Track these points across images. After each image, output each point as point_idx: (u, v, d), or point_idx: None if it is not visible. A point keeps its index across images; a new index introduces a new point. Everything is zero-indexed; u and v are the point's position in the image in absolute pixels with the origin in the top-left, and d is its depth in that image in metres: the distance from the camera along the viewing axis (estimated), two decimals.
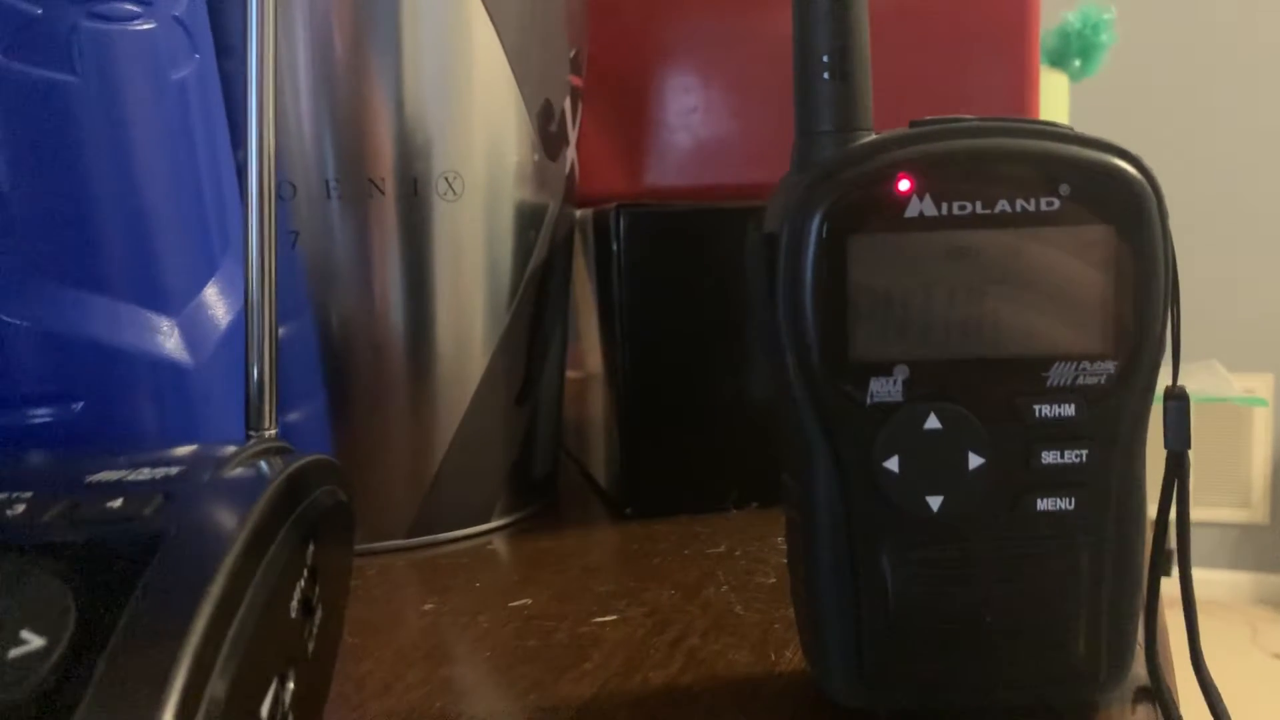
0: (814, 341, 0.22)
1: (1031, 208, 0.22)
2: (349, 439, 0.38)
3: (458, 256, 0.38)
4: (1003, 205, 0.22)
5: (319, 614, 0.21)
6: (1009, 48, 0.46)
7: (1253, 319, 2.46)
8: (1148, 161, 0.22)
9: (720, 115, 0.50)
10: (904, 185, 0.22)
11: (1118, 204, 0.22)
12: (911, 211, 0.22)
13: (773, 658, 0.27)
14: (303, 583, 0.20)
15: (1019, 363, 0.22)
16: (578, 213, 0.45)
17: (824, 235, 0.22)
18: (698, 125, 0.50)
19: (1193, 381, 0.63)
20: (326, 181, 0.36)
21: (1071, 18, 0.79)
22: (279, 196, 0.35)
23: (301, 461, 0.22)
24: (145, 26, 0.29)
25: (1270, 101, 2.41)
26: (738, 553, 0.36)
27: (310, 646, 0.21)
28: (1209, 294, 2.46)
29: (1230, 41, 2.42)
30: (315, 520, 0.21)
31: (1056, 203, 0.22)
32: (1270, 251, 2.43)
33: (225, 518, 0.19)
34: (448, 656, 0.28)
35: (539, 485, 0.43)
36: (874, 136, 0.23)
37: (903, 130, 0.23)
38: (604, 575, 0.35)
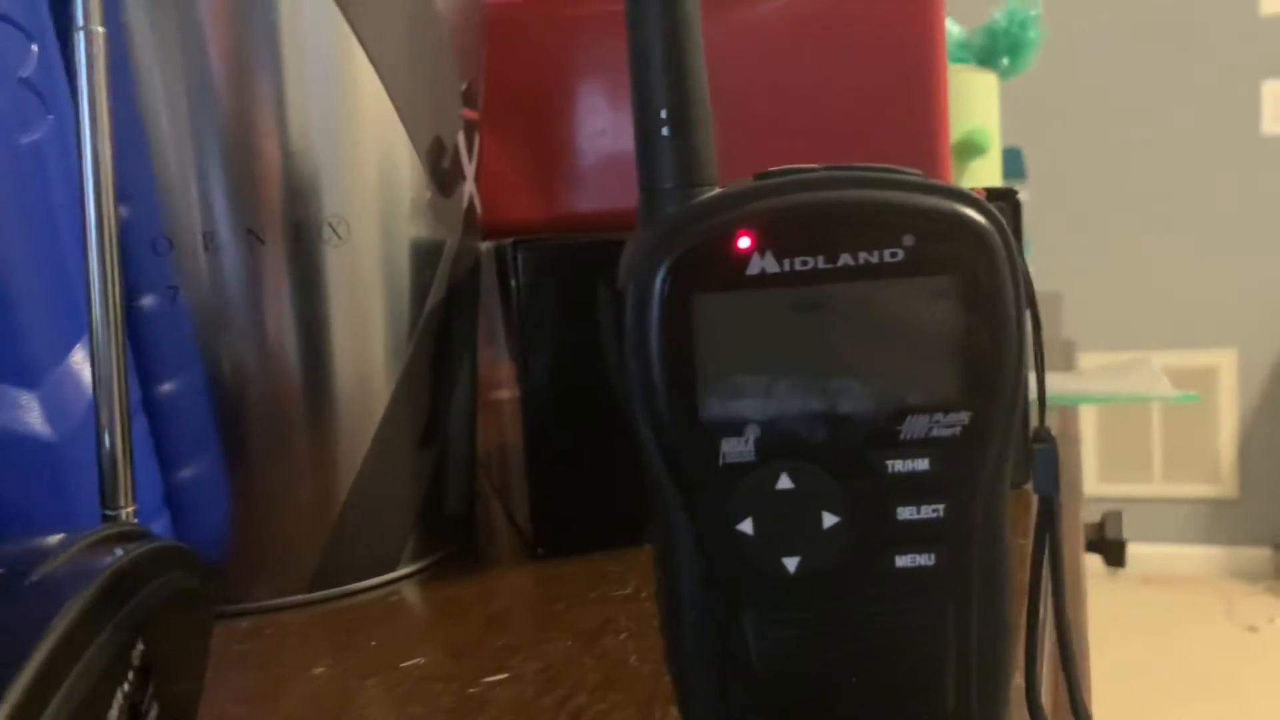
0: (663, 403, 0.22)
1: (875, 260, 0.21)
2: (245, 490, 0.37)
3: (351, 298, 0.37)
4: (845, 259, 0.21)
5: (153, 714, 0.21)
6: (915, 68, 0.46)
7: (1215, 295, 2.47)
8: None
9: (629, 138, 0.49)
10: (744, 243, 0.21)
11: (963, 252, 0.21)
12: (753, 269, 0.21)
13: (657, 716, 0.27)
14: (127, 686, 0.20)
15: (870, 417, 0.22)
16: (484, 245, 0.45)
17: (667, 294, 0.21)
18: (608, 148, 0.50)
19: (1125, 379, 0.63)
20: (203, 234, 0.35)
21: (998, 15, 0.79)
22: (154, 251, 0.35)
23: (136, 553, 0.22)
24: None
25: (1208, 84, 2.43)
26: (643, 594, 0.36)
27: None
28: (1171, 271, 2.48)
29: (1163, 28, 2.44)
30: (147, 615, 0.21)
31: (901, 253, 0.21)
32: (1230, 227, 2.45)
33: (28, 629, 0.18)
34: None
35: (452, 526, 0.42)
36: (716, 192, 0.22)
37: (745, 183, 0.22)
38: (505, 625, 0.34)
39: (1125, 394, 0.58)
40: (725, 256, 0.21)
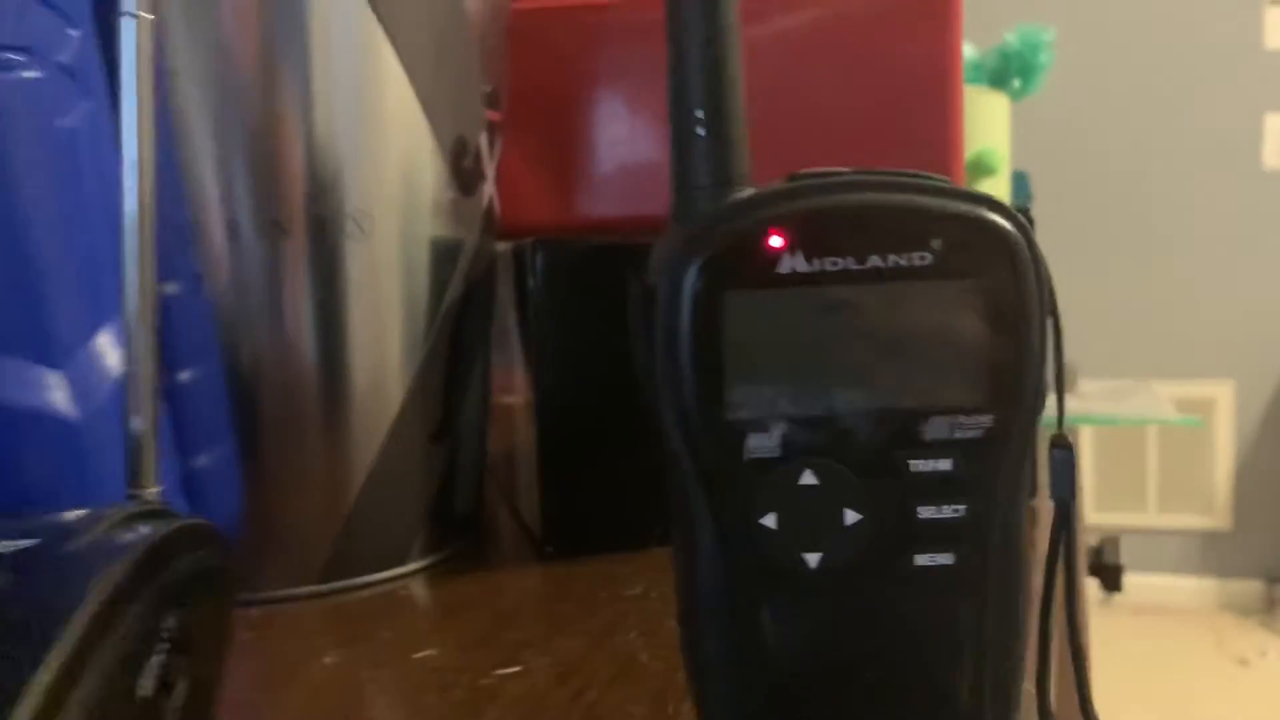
0: (691, 398, 0.22)
1: (904, 262, 0.22)
2: (260, 481, 0.37)
3: (370, 294, 0.38)
4: (874, 260, 0.22)
5: (181, 687, 0.21)
6: (932, 87, 0.47)
7: (1213, 326, 2.48)
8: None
9: (649, 145, 0.50)
10: (776, 241, 0.22)
11: (989, 257, 0.22)
12: (784, 268, 0.22)
13: (670, 711, 0.27)
14: (160, 657, 0.20)
15: (894, 417, 0.22)
16: (500, 246, 0.45)
17: (698, 291, 0.22)
18: (626, 155, 0.50)
19: (1128, 403, 0.64)
20: (229, 222, 0.35)
21: (1010, 38, 0.79)
22: (180, 239, 0.35)
23: (168, 528, 0.22)
24: (28, 75, 0.28)
25: (1211, 116, 2.45)
26: (653, 594, 0.36)
27: None
28: (1171, 301, 2.49)
29: (1168, 59, 2.45)
30: (177, 590, 0.21)
31: (929, 257, 0.22)
32: (1230, 259, 2.46)
33: (67, 597, 0.18)
34: (342, 714, 0.28)
35: (460, 524, 0.43)
36: (749, 191, 0.23)
37: (778, 184, 0.22)
38: (515, 622, 0.34)
39: (1127, 416, 0.58)
40: (757, 255, 0.22)
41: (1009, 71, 0.78)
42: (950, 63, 0.46)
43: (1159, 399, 0.60)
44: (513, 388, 0.48)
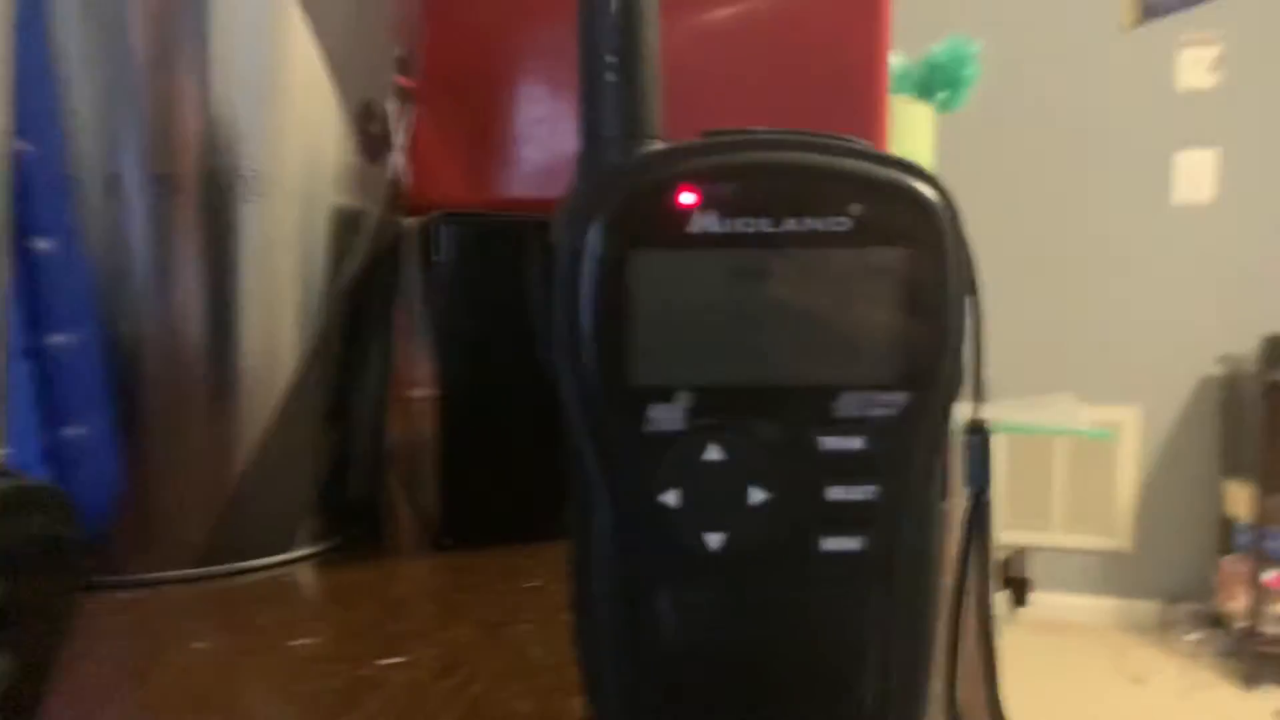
0: (591, 363, 0.21)
1: (821, 227, 0.20)
2: (137, 455, 0.35)
3: (263, 260, 0.35)
4: (790, 224, 0.20)
5: (3, 663, 0.19)
6: (859, 82, 0.46)
7: (1121, 353, 2.55)
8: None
9: (569, 127, 0.48)
10: (687, 198, 0.20)
11: (911, 226, 0.21)
12: (695, 227, 0.20)
13: (558, 706, 0.25)
14: None
15: (805, 392, 0.21)
16: (410, 223, 0.43)
17: (602, 249, 0.20)
18: (546, 136, 0.49)
19: (1043, 413, 0.64)
20: (111, 176, 0.33)
21: (937, 50, 0.80)
22: (56, 192, 0.32)
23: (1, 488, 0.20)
24: None
25: (1139, 130, 2.52)
26: (553, 587, 0.34)
27: None
28: (1077, 327, 2.55)
29: (1090, 92, 2.52)
30: (5, 557, 0.19)
31: (847, 222, 0.20)
32: (1140, 288, 2.53)
33: None
34: (204, 703, 0.26)
35: (354, 512, 0.40)
36: (661, 145, 0.21)
37: (693, 140, 0.21)
38: (404, 611, 0.32)
39: (1043, 425, 0.58)
40: (666, 212, 0.20)
41: (935, 83, 0.78)
42: (877, 56, 0.46)
43: (1075, 410, 0.60)
44: (417, 379, 0.46)
